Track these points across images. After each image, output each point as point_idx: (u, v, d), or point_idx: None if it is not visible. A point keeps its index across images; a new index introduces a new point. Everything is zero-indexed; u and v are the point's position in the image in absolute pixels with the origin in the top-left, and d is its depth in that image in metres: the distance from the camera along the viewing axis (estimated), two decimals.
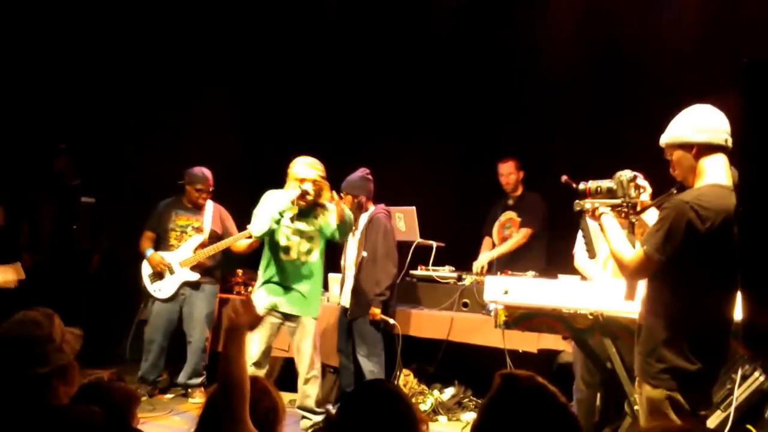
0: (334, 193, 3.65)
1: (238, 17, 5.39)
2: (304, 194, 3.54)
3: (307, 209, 3.65)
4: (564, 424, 1.32)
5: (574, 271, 3.43)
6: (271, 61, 5.54)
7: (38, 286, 4.27)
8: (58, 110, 5.00)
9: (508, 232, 4.55)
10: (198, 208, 4.43)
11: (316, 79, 5.54)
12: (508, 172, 4.51)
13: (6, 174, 4.80)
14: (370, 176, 4.06)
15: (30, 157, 4.87)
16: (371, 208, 4.09)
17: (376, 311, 3.96)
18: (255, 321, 1.85)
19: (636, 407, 2.37)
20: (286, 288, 3.65)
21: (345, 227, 3.66)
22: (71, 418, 1.54)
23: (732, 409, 2.88)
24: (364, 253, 4.01)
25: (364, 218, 4.07)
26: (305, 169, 3.58)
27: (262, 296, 3.66)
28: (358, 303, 4.00)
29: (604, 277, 3.26)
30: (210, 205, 4.46)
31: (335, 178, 4.14)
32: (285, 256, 3.66)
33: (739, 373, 2.96)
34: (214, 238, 4.36)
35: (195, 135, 5.08)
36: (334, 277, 4.39)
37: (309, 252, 3.70)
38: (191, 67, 5.26)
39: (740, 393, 2.93)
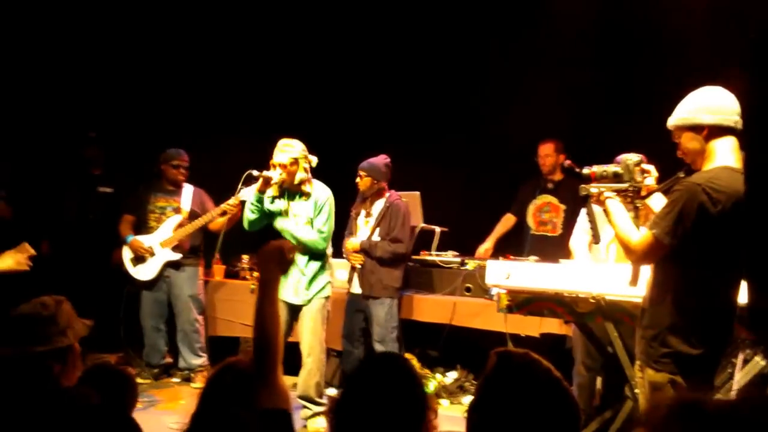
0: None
1: (256, 8, 5.34)
2: (267, 181, 3.39)
3: (295, 193, 3.51)
4: (559, 399, 1.34)
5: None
6: (280, 50, 5.50)
7: (57, 274, 4.26)
8: (84, 99, 4.96)
9: (547, 217, 4.47)
10: (177, 188, 4.45)
11: (321, 63, 5.50)
12: (546, 154, 4.43)
13: (34, 161, 4.78)
14: (390, 164, 4.06)
15: (58, 145, 4.84)
16: (386, 195, 4.08)
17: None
18: (286, 264, 1.75)
19: (637, 391, 2.38)
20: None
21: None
22: (67, 399, 1.55)
23: (732, 393, 2.89)
24: (378, 237, 4.01)
25: (379, 204, 4.07)
26: (277, 153, 3.43)
27: None
28: (371, 285, 3.99)
29: (588, 263, 3.27)
30: (189, 188, 4.49)
31: (340, 163, 4.12)
32: None
33: (740, 357, 2.96)
34: (194, 218, 4.38)
35: (210, 130, 5.07)
36: (337, 263, 4.39)
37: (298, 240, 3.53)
38: (207, 61, 5.22)
39: (741, 377, 2.94)
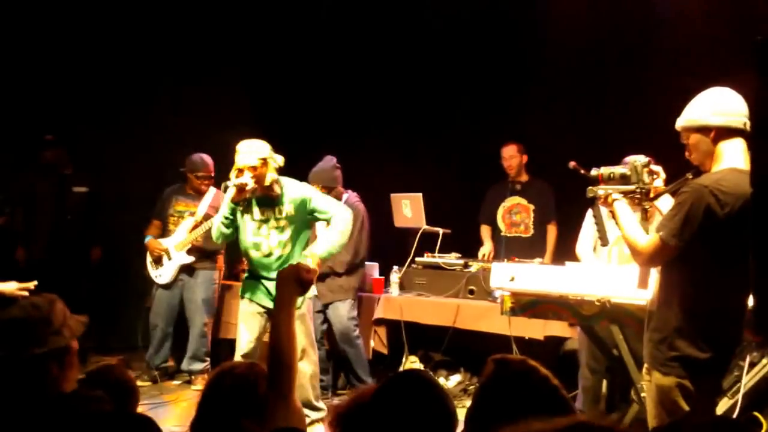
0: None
1: (230, 10, 5.31)
2: (241, 189, 3.12)
3: (265, 199, 3.23)
4: (557, 407, 1.31)
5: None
6: (268, 49, 5.48)
7: (38, 278, 4.22)
8: (43, 97, 4.86)
9: (518, 218, 4.48)
10: (200, 195, 4.46)
11: (317, 65, 5.49)
12: (510, 155, 4.46)
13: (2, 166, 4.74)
14: (338, 164, 3.98)
15: (23, 149, 4.79)
16: (344, 196, 4.01)
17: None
18: (306, 285, 1.68)
19: (643, 394, 2.36)
20: (265, 280, 3.29)
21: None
22: (76, 405, 1.53)
23: (739, 396, 2.87)
24: None
25: None
26: (242, 156, 3.14)
27: (246, 288, 3.38)
28: (332, 290, 4.00)
29: (596, 266, 3.26)
30: (212, 191, 4.47)
31: (344, 166, 4.09)
32: (256, 253, 3.28)
33: (747, 359, 2.94)
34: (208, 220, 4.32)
35: (187, 120, 5.04)
36: None
37: (282, 245, 3.26)
38: (182, 55, 5.17)
39: (748, 380, 2.92)
